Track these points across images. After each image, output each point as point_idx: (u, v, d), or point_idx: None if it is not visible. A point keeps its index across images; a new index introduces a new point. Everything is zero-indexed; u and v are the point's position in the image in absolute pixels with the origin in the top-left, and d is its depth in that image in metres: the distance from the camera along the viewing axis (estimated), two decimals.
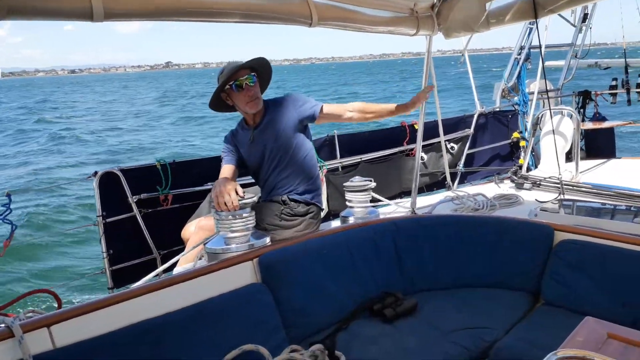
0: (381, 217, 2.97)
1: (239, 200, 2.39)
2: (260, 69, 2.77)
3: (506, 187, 4.62)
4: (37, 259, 7.03)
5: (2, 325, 1.59)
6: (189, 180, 3.90)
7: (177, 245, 3.74)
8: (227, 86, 2.69)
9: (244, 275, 2.16)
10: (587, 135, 6.33)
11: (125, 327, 1.75)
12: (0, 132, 26.65)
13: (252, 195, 2.55)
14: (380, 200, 4.03)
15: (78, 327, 1.68)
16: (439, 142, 4.82)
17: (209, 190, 3.61)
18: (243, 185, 2.90)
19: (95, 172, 3.52)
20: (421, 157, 5.21)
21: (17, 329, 1.55)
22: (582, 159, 5.58)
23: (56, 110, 39.10)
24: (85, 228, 3.94)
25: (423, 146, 5.17)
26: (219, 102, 2.83)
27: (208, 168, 3.96)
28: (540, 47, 4.41)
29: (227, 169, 2.84)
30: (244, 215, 2.47)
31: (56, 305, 2.02)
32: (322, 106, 2.80)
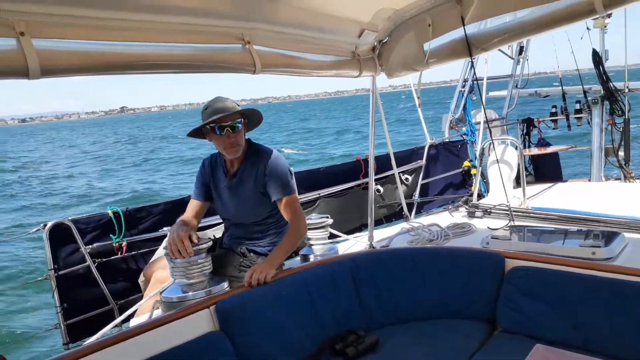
0: (341, 252, 3.00)
1: (193, 247, 2.36)
2: (250, 114, 2.68)
3: (460, 216, 4.75)
4: None
5: None
6: (144, 227, 3.84)
7: (134, 294, 3.65)
8: (209, 126, 2.57)
9: (202, 323, 2.13)
10: (534, 161, 6.63)
11: None
12: None
13: (207, 239, 2.53)
14: (339, 236, 4.07)
15: None
16: (393, 174, 4.94)
17: (164, 236, 3.56)
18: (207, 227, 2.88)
19: (44, 224, 3.42)
20: (377, 189, 5.35)
21: None
22: (530, 183, 5.83)
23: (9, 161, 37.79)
24: (36, 282, 3.77)
25: (379, 179, 5.32)
26: (198, 133, 2.69)
27: (163, 213, 3.92)
28: (476, 79, 4.66)
29: (194, 205, 2.79)
30: (200, 261, 2.43)
31: None
32: (282, 199, 2.61)
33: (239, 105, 2.65)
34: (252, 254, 2.75)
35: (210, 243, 2.52)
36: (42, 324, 3.61)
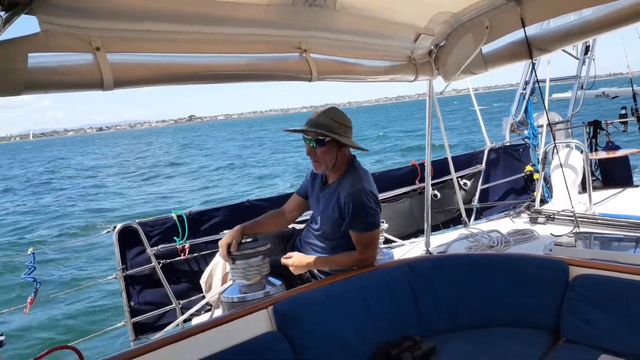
0: (396, 258, 2.99)
1: (235, 252, 2.54)
2: (333, 126, 2.53)
3: (521, 222, 4.60)
4: (59, 314, 7.11)
5: None
6: (205, 229, 3.98)
7: (196, 294, 3.80)
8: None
9: (260, 324, 2.19)
10: (602, 165, 6.31)
11: None
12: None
13: (265, 242, 2.62)
14: (393, 241, 4.05)
15: None
16: (451, 179, 4.86)
17: None
18: None
19: (114, 227, 3.62)
20: (435, 194, 5.26)
21: None
22: (598, 189, 5.56)
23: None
24: (106, 281, 4.00)
25: (436, 184, 5.24)
26: None
27: (224, 216, 4.05)
28: (537, 82, 4.49)
29: (292, 199, 2.92)
30: (258, 263, 2.53)
31: None
32: (354, 233, 2.57)
33: (338, 123, 2.54)
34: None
35: (268, 246, 2.61)
36: (112, 321, 3.82)
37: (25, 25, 1.68)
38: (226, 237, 2.64)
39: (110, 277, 3.73)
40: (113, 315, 6.50)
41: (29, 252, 3.13)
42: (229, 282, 2.71)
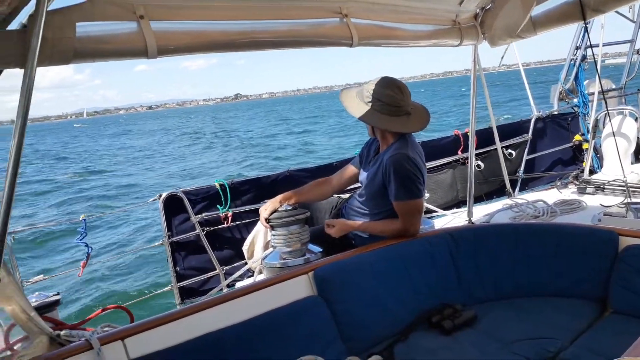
0: (437, 227, 2.96)
1: (274, 220, 2.60)
2: (377, 105, 2.55)
3: (569, 192, 4.45)
4: (110, 278, 7.48)
5: (83, 339, 1.74)
6: (247, 198, 4.06)
7: (238, 260, 3.90)
8: None
9: (301, 288, 2.23)
10: None
11: (192, 339, 1.85)
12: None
13: (305, 210, 2.65)
14: (435, 211, 4.01)
15: (149, 339, 1.80)
16: (496, 149, 4.73)
17: None
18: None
19: (160, 195, 3.74)
20: (478, 165, 5.15)
21: (95, 342, 1.69)
22: None
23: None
24: (153, 247, 4.16)
25: (480, 154, 5.11)
26: None
27: (265, 186, 4.11)
28: (590, 46, 4.25)
29: (346, 169, 2.94)
30: (298, 230, 2.57)
31: (129, 320, 2.17)
32: (395, 202, 2.54)
33: (374, 98, 2.55)
34: (352, 236, 2.77)
35: (308, 214, 2.64)
36: (159, 285, 4.00)
37: None
38: (266, 204, 2.70)
39: (156, 243, 3.87)
40: (160, 279, 6.78)
41: (80, 219, 3.28)
42: (270, 249, 2.76)
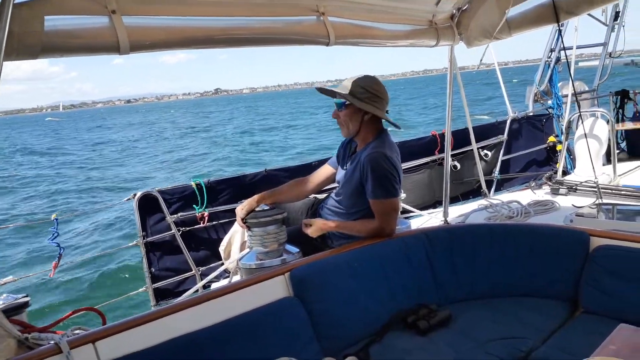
0: (413, 228, 2.98)
1: (251, 220, 2.57)
2: (358, 91, 2.51)
3: (542, 193, 4.53)
4: (82, 279, 7.33)
5: (52, 342, 1.69)
6: (224, 199, 4.01)
7: (214, 261, 3.86)
8: None
9: (277, 289, 2.21)
10: (629, 136, 6.14)
11: (166, 341, 1.82)
12: None
13: (282, 211, 2.63)
14: (411, 211, 4.04)
15: (121, 342, 1.76)
16: (472, 149, 4.79)
17: None
18: None
19: (134, 194, 3.67)
20: (454, 165, 5.20)
21: (64, 345, 1.64)
22: (623, 160, 5.42)
23: None
24: (127, 248, 4.08)
25: (457, 154, 5.17)
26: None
27: (242, 186, 4.07)
28: (564, 48, 4.34)
29: (322, 169, 2.92)
30: (275, 231, 2.55)
31: (102, 322, 2.12)
32: (372, 200, 2.53)
33: (364, 89, 2.51)
34: (329, 236, 2.76)
35: (285, 214, 2.62)
36: (133, 286, 3.93)
37: None
38: (243, 204, 2.67)
39: (131, 244, 3.80)
40: (134, 280, 6.68)
41: (52, 218, 3.20)
42: (247, 250, 2.74)
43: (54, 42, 1.64)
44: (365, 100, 2.51)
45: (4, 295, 2.09)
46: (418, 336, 2.19)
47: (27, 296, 2.09)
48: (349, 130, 2.61)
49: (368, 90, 2.52)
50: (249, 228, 2.62)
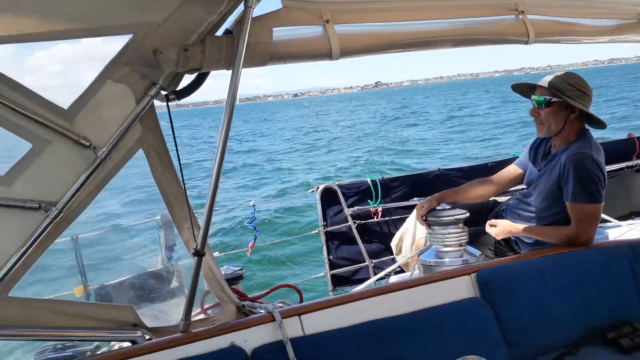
0: (611, 239, 2.72)
1: (431, 218, 2.57)
2: (565, 88, 2.44)
3: None
4: (272, 260, 8.15)
5: (265, 311, 1.95)
6: (396, 195, 4.12)
7: (387, 254, 3.99)
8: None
9: (461, 289, 2.21)
10: None
11: (358, 324, 1.97)
12: None
13: (464, 212, 2.61)
14: (608, 221, 3.67)
15: (321, 318, 1.95)
16: None
17: (414, 206, 3.78)
18: None
19: (318, 187, 3.98)
20: None
21: (277, 315, 1.88)
22: None
23: None
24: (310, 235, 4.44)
25: None
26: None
27: (414, 184, 4.14)
28: None
29: (508, 169, 2.83)
30: (456, 230, 2.54)
31: (299, 299, 2.35)
32: (569, 203, 2.38)
33: (572, 86, 2.44)
34: (515, 240, 2.68)
35: (467, 215, 2.59)
36: (314, 271, 4.27)
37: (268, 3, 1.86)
38: (423, 202, 2.69)
39: (314, 231, 4.13)
40: (312, 266, 7.20)
41: (251, 204, 3.63)
42: (427, 245, 2.77)
43: (279, 51, 1.87)
44: (574, 98, 2.40)
45: (225, 266, 2.44)
46: (619, 354, 2.03)
47: (241, 269, 2.42)
48: (550, 129, 2.50)
49: (576, 88, 2.41)
50: (429, 226, 2.65)
